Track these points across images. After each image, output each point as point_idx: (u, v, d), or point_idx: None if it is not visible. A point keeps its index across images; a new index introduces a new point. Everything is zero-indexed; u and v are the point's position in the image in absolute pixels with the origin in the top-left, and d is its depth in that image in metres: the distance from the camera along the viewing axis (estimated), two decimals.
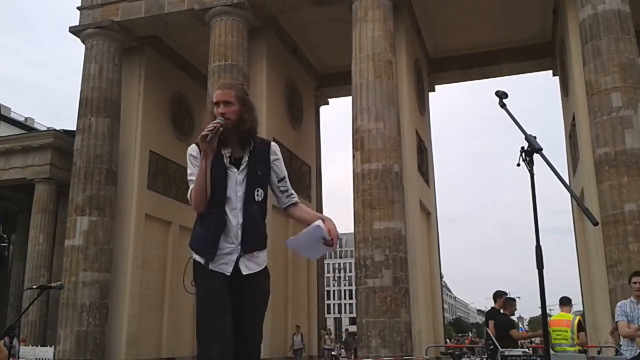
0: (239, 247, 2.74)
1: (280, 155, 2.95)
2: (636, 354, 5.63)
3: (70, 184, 17.72)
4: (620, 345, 6.36)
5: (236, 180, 2.79)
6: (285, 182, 2.92)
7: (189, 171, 2.83)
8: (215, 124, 2.70)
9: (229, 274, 2.72)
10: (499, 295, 9.29)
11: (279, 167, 2.91)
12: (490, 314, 9.28)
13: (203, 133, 2.68)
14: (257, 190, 2.81)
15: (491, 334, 12.72)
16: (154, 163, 19.62)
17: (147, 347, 18.45)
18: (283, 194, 2.91)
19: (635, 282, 5.98)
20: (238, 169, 2.80)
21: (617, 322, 6.02)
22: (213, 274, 2.73)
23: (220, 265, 2.73)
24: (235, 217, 2.75)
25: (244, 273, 2.73)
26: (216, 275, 2.73)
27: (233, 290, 2.73)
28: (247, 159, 2.83)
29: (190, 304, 19.63)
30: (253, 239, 2.78)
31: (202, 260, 2.76)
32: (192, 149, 2.83)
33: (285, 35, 19.91)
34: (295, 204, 2.93)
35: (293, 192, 2.96)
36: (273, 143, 2.98)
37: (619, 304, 6.12)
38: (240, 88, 2.92)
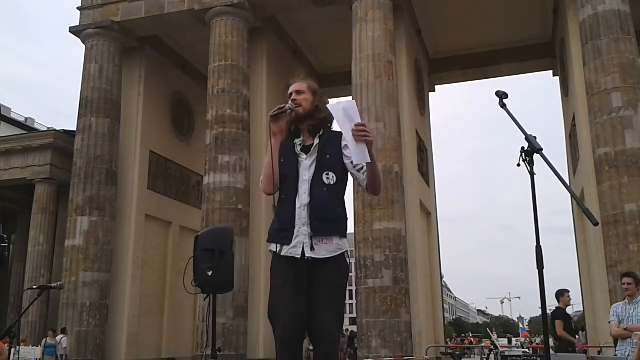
0: (304, 228, 2.76)
1: None
2: (626, 353, 5.67)
3: (70, 184, 17.72)
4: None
5: (304, 165, 2.85)
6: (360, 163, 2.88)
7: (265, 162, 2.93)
8: (282, 105, 2.82)
9: (298, 256, 2.75)
10: (560, 293, 8.91)
11: None
12: (557, 314, 8.70)
13: (270, 113, 2.78)
14: (327, 173, 2.83)
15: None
16: (154, 163, 19.62)
17: (147, 347, 18.45)
18: (359, 172, 2.85)
19: (623, 283, 6.06)
20: (307, 154, 2.87)
21: (609, 322, 6.13)
22: (285, 265, 2.77)
23: (290, 249, 2.77)
24: (302, 199, 2.79)
25: (306, 255, 2.74)
26: (288, 266, 2.76)
27: (305, 274, 2.75)
28: (316, 144, 2.89)
29: (190, 304, 19.65)
30: (321, 221, 2.77)
31: (275, 248, 2.82)
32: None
33: (285, 35, 19.90)
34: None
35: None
36: None
37: (612, 305, 6.24)
38: (313, 83, 3.03)
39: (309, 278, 2.74)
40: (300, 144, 2.91)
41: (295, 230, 2.77)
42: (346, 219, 2.91)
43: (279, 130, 2.82)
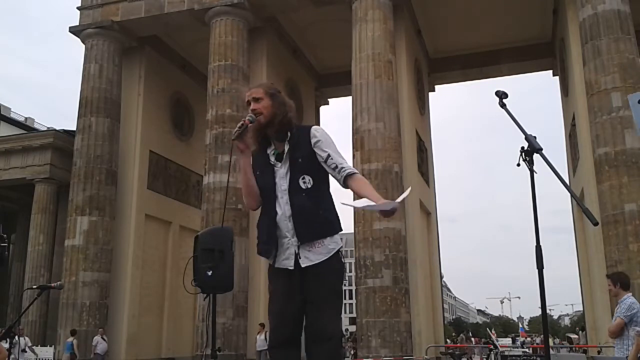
0: (294, 239, 2.75)
1: (321, 137, 2.86)
2: (616, 353, 5.60)
3: (70, 184, 17.73)
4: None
5: (280, 175, 2.81)
6: (332, 159, 2.82)
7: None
8: (242, 121, 2.76)
9: (292, 268, 2.74)
10: None
11: (322, 147, 2.83)
12: None
13: (233, 134, 2.74)
14: (303, 178, 2.79)
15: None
16: (154, 163, 19.62)
17: (147, 347, 18.45)
18: (334, 171, 2.82)
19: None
20: (281, 163, 2.83)
21: None
22: (277, 273, 2.80)
23: (283, 261, 2.78)
24: (285, 210, 2.77)
25: (302, 265, 2.73)
26: (280, 274, 2.79)
27: (301, 282, 2.75)
28: (287, 150, 2.84)
29: (190, 304, 19.65)
30: (307, 228, 2.75)
31: (269, 260, 2.84)
32: None
33: (285, 35, 19.91)
34: (350, 175, 2.81)
35: (345, 165, 2.84)
36: (314, 127, 2.93)
37: None
38: (269, 85, 2.96)
39: (304, 282, 2.74)
40: (273, 153, 2.85)
41: (286, 242, 2.76)
42: (334, 216, 2.85)
43: (246, 147, 2.76)
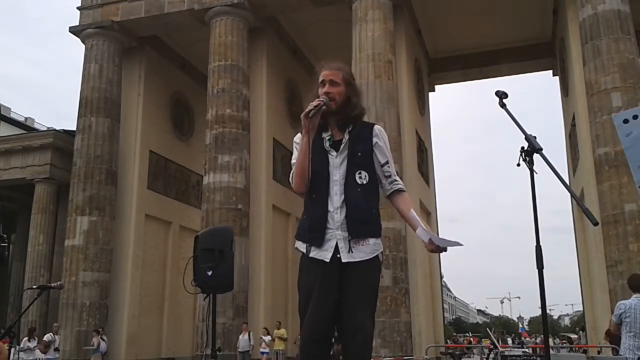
0: (338, 232, 2.65)
1: (383, 139, 2.83)
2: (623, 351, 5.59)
3: (70, 184, 17.74)
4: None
5: (334, 164, 2.73)
6: (389, 166, 2.80)
7: (293, 156, 2.79)
8: (318, 101, 2.68)
9: (327, 261, 2.63)
10: None
11: (382, 150, 2.79)
12: None
13: (306, 110, 2.64)
14: (359, 173, 2.71)
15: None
16: (154, 163, 19.63)
17: (147, 347, 18.46)
18: (386, 180, 2.78)
19: None
20: (337, 152, 2.74)
21: None
22: (312, 265, 2.66)
23: (320, 253, 2.65)
24: (334, 201, 2.68)
25: (343, 260, 2.63)
26: (315, 266, 2.65)
27: (336, 277, 2.64)
28: (346, 140, 2.75)
29: (190, 304, 19.65)
30: (358, 224, 2.66)
31: (303, 248, 2.70)
32: (297, 137, 2.80)
33: (285, 35, 19.91)
34: (399, 191, 2.80)
35: (398, 178, 2.82)
36: (377, 125, 2.87)
37: None
38: (348, 71, 2.88)
39: (341, 278, 2.65)
40: (329, 139, 2.77)
41: (329, 234, 2.67)
42: (380, 218, 2.80)
43: (313, 128, 2.67)
